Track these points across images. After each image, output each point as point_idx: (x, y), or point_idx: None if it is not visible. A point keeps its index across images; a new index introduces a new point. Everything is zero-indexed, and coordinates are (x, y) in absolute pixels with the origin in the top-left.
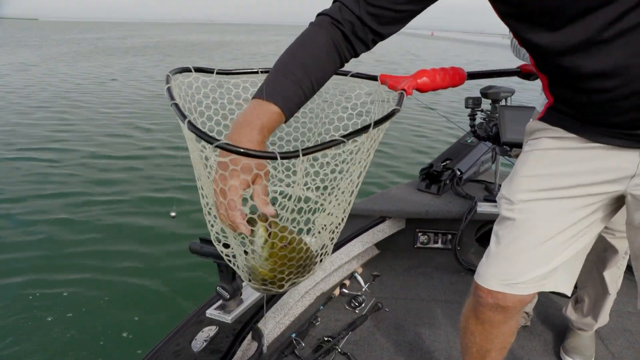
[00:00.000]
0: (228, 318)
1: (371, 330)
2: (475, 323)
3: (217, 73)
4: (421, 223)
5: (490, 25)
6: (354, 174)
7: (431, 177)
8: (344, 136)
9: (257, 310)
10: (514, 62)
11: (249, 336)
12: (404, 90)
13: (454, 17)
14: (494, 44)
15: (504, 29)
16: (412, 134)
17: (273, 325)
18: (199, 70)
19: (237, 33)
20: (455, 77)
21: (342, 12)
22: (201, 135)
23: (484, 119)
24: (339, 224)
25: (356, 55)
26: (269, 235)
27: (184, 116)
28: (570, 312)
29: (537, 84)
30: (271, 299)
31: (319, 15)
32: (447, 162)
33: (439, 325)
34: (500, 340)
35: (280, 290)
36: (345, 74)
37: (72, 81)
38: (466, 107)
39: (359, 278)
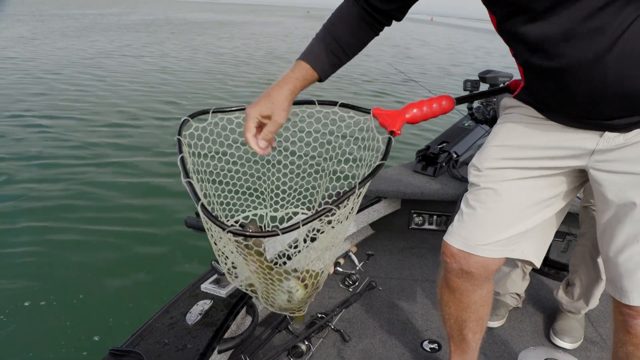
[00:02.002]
0: (223, 292)
1: (364, 308)
2: (447, 293)
3: (214, 112)
4: (416, 204)
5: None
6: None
7: (427, 159)
8: (332, 202)
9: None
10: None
11: (243, 311)
12: (392, 132)
13: (451, 3)
14: (492, 30)
15: None
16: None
17: None
18: (198, 114)
19: (243, 13)
20: (442, 104)
21: None
22: (215, 222)
23: (481, 102)
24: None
25: (386, 24)
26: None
27: (197, 198)
28: (561, 295)
29: None
30: None
31: None
32: (444, 144)
33: (432, 305)
34: (473, 310)
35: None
36: (334, 103)
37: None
38: (464, 89)
39: (353, 257)
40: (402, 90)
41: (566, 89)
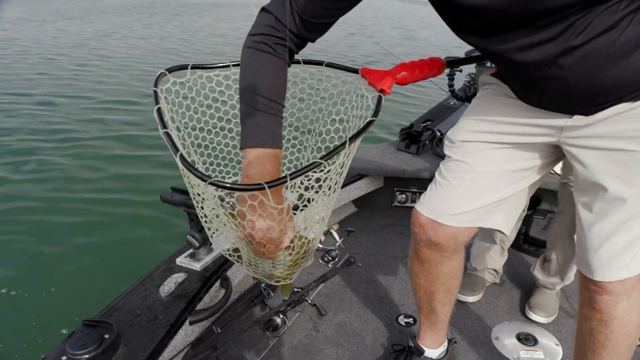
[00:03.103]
0: (197, 266)
1: (342, 283)
2: (417, 263)
3: (192, 68)
4: (399, 182)
5: None
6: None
7: (411, 137)
8: (322, 157)
9: (227, 260)
10: None
11: (217, 283)
12: (382, 90)
13: None
14: None
15: None
16: (394, 96)
17: (244, 275)
18: (176, 69)
19: None
20: (434, 67)
21: (278, 29)
22: (194, 172)
23: (468, 82)
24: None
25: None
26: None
27: (176, 149)
28: (537, 271)
29: None
30: None
31: (254, 34)
32: (428, 123)
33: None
34: (442, 281)
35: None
36: (321, 63)
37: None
38: (446, 67)
39: (334, 234)
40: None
41: (531, 90)
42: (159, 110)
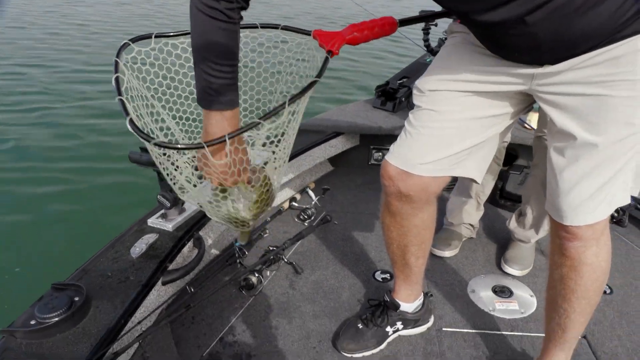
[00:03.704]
0: (169, 226)
1: (318, 241)
2: (388, 216)
3: (156, 37)
4: (375, 140)
5: None
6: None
7: (387, 94)
8: (260, 118)
9: (200, 219)
10: None
11: (190, 243)
12: (330, 51)
13: None
14: None
15: None
16: (370, 53)
17: (217, 235)
18: (139, 39)
19: None
20: (385, 26)
21: None
22: (141, 134)
23: (442, 39)
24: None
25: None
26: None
27: (126, 113)
28: (513, 225)
29: None
30: None
31: None
32: (404, 80)
33: None
34: (414, 233)
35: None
36: (276, 27)
37: None
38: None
39: (310, 192)
40: None
41: (500, 47)
42: (117, 80)
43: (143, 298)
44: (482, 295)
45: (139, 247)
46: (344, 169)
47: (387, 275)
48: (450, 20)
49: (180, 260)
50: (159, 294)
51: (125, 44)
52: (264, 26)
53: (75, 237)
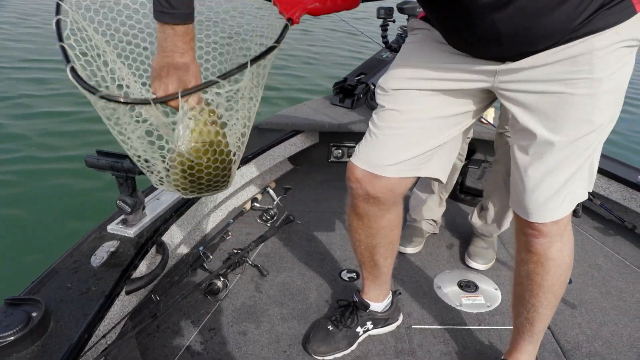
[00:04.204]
0: (130, 232)
1: (282, 242)
2: (355, 219)
3: None
4: (335, 137)
5: None
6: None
7: (345, 91)
8: (219, 76)
9: (161, 224)
10: None
11: (153, 249)
12: (290, 19)
13: None
14: None
15: None
16: (328, 50)
17: (180, 239)
18: None
19: None
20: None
21: None
22: (84, 85)
23: (400, 35)
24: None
25: None
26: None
27: (67, 61)
28: (475, 220)
29: None
30: (177, 212)
31: None
32: (362, 76)
33: None
34: (382, 235)
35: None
36: None
37: None
38: (378, 17)
39: (272, 192)
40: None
41: (461, 38)
42: (58, 23)
43: (107, 309)
44: (449, 290)
45: (100, 255)
46: (304, 167)
47: (354, 275)
48: (405, 18)
49: (144, 268)
50: (123, 304)
51: None
52: None
53: (27, 247)
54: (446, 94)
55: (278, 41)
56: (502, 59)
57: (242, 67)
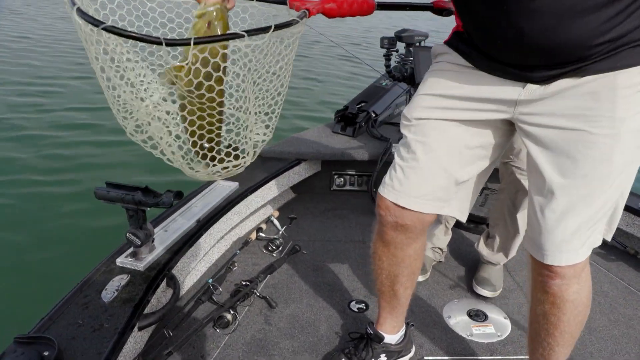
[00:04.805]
0: (140, 265)
1: (289, 272)
2: (381, 246)
3: None
4: (337, 165)
5: None
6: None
7: (346, 119)
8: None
9: (171, 257)
10: None
11: (164, 283)
12: (307, 10)
13: None
14: None
15: None
16: (328, 78)
17: (188, 271)
18: None
19: None
20: (363, 5)
21: None
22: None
23: (398, 62)
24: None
25: None
26: None
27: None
28: (481, 247)
29: (451, 27)
30: (185, 243)
31: None
32: (362, 104)
33: (357, 265)
34: (407, 264)
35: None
36: None
37: None
38: (381, 47)
39: (276, 222)
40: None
41: (489, 37)
42: None
43: (121, 347)
44: (458, 320)
45: (111, 290)
46: (306, 196)
47: (363, 305)
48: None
49: (155, 302)
50: (136, 341)
51: None
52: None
53: (36, 281)
54: (468, 124)
55: (301, 18)
56: (523, 74)
57: (266, 29)
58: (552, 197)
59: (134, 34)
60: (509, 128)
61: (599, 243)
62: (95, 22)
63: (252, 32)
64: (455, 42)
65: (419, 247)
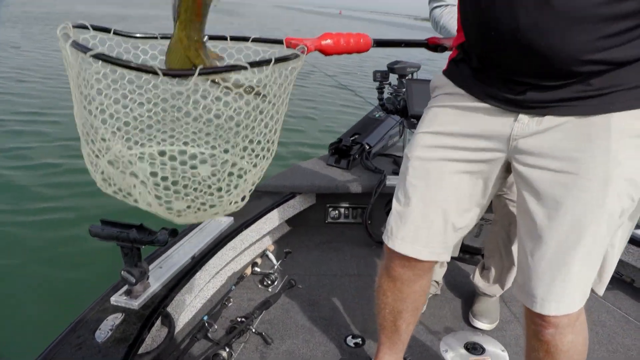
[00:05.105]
0: (135, 304)
1: (285, 307)
2: (387, 281)
3: (115, 33)
4: (331, 198)
5: (395, 6)
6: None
7: (340, 151)
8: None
9: (166, 294)
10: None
11: (159, 322)
12: (305, 46)
13: None
14: (400, 24)
15: (409, 9)
16: (322, 109)
17: (183, 308)
18: (96, 28)
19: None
20: (359, 42)
21: None
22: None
23: (391, 93)
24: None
25: None
26: None
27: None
28: (477, 279)
29: (444, 60)
30: (180, 280)
31: None
32: (356, 136)
33: (353, 299)
34: (412, 300)
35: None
36: (247, 39)
37: None
38: (374, 80)
39: (271, 256)
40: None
41: (490, 20)
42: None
43: None
44: (456, 353)
45: (105, 330)
46: (301, 229)
47: (359, 340)
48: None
49: (150, 342)
50: None
51: (82, 24)
52: (234, 38)
53: (27, 320)
54: (467, 166)
55: (303, 52)
56: (515, 99)
57: (268, 61)
58: (542, 241)
59: (131, 64)
60: (505, 170)
61: (587, 295)
62: (84, 49)
63: (254, 63)
64: (452, 70)
65: (425, 283)
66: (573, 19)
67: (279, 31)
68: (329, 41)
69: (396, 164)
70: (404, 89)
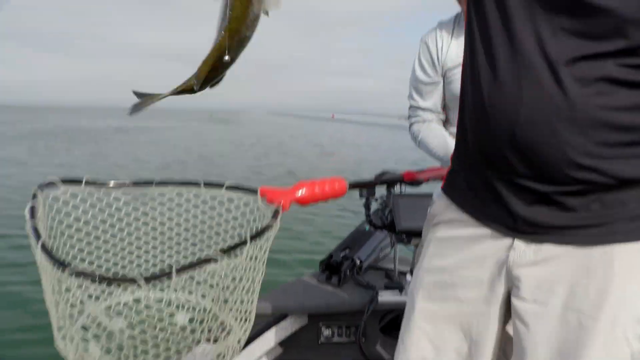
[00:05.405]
0: None
1: None
2: None
3: (86, 183)
4: (323, 317)
5: (388, 109)
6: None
7: (331, 268)
8: (220, 250)
9: None
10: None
11: None
12: (280, 205)
13: (353, 100)
14: (393, 125)
15: (398, 109)
16: (310, 224)
17: None
18: (67, 182)
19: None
20: (334, 187)
21: None
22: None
23: (380, 204)
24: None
25: None
26: None
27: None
28: None
29: (433, 162)
30: None
31: None
32: (347, 250)
33: None
34: None
35: None
36: (221, 185)
37: None
38: (360, 196)
39: None
40: None
41: (492, 111)
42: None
43: None
44: None
45: None
46: (293, 350)
47: None
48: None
49: None
50: None
51: (51, 182)
52: (208, 184)
53: None
54: (469, 307)
55: (274, 218)
56: (509, 220)
57: (242, 244)
58: None
59: (112, 278)
60: (505, 309)
61: None
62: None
63: (226, 251)
64: (449, 183)
65: None
66: (572, 120)
67: (274, 137)
68: (303, 190)
69: (388, 277)
70: (392, 201)
